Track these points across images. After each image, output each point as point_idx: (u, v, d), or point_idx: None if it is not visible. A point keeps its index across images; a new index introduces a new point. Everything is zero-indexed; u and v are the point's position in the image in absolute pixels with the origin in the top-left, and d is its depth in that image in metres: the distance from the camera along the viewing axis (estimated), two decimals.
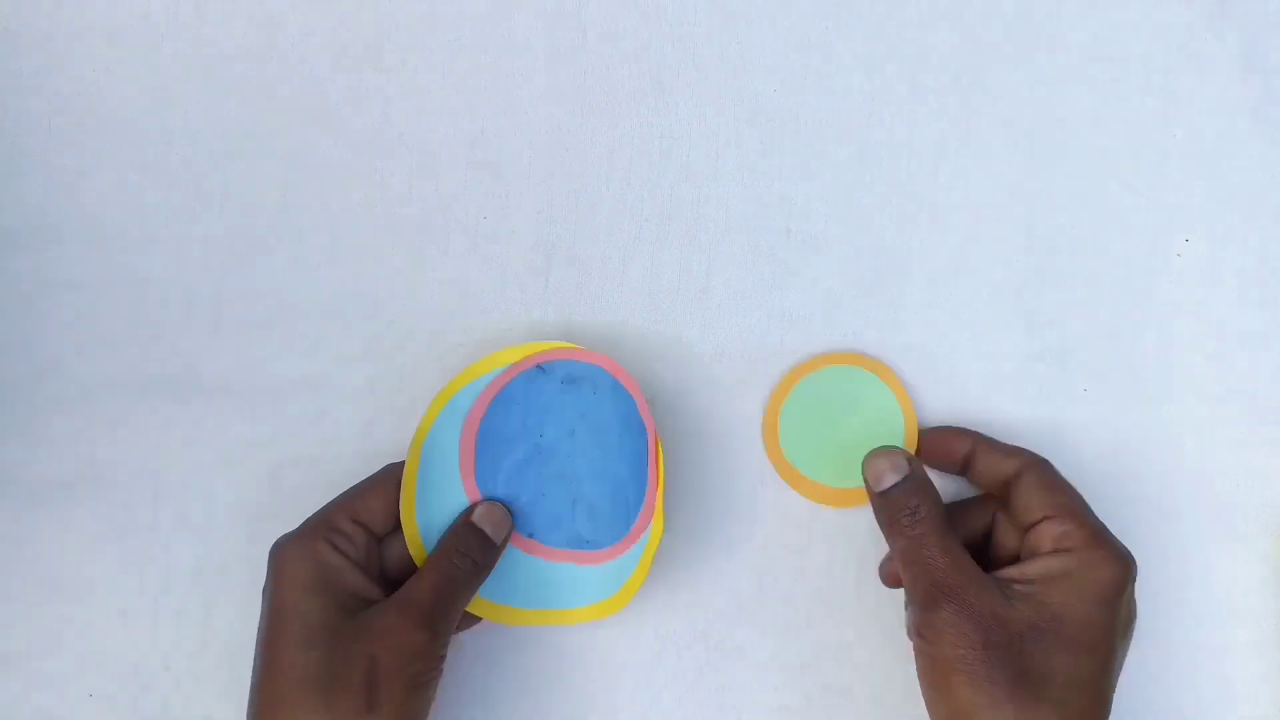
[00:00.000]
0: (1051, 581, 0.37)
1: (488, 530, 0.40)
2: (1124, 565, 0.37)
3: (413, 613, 0.36)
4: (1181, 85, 0.46)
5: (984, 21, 0.46)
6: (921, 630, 0.37)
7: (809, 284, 0.45)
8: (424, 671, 0.36)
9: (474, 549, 0.39)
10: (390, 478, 0.40)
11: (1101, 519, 0.38)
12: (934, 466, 0.43)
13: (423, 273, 0.45)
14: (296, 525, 0.39)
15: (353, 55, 0.45)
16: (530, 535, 0.41)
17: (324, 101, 0.45)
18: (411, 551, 0.40)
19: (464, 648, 0.43)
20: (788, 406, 0.44)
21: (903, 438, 0.44)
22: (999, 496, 0.41)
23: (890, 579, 0.43)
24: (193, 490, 0.44)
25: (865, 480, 0.41)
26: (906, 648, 0.44)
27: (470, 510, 0.40)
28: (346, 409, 0.44)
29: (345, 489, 0.40)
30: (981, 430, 0.44)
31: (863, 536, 0.44)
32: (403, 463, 0.40)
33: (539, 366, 0.41)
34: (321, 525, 0.38)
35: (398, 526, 0.40)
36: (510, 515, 0.41)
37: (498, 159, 0.45)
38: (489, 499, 0.41)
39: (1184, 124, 0.46)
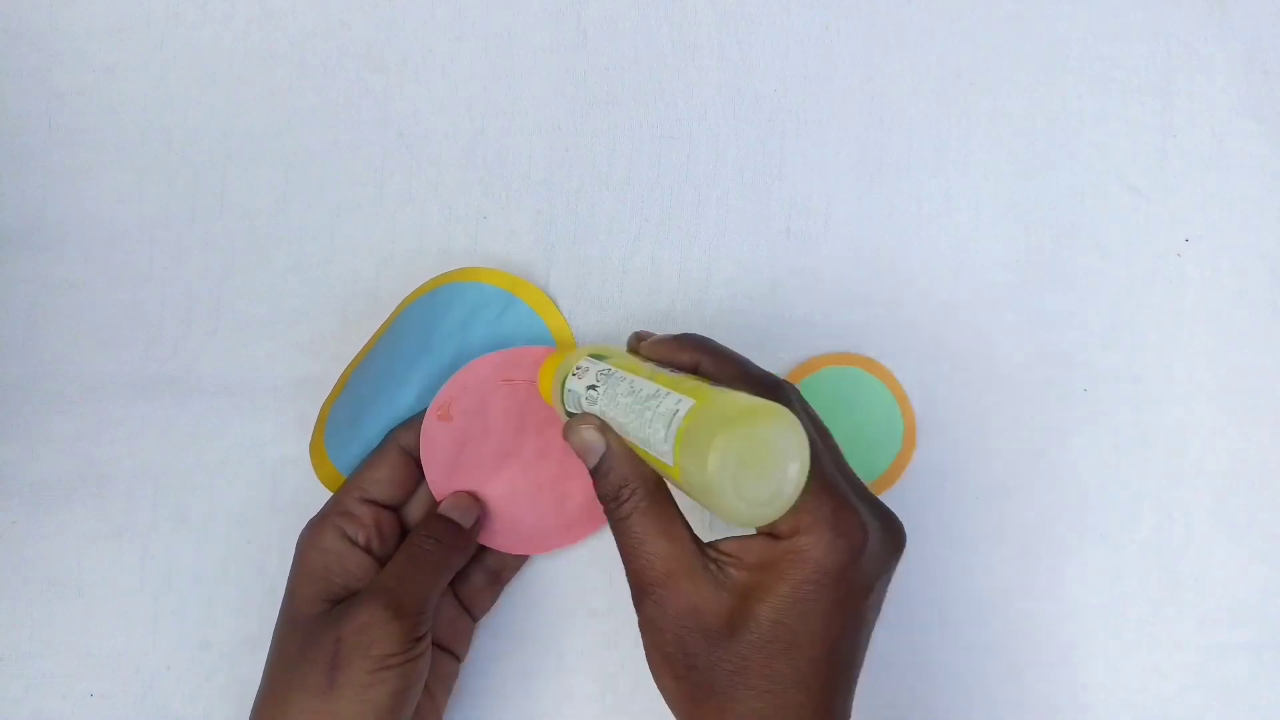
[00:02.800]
0: (766, 569, 0.32)
1: (455, 517, 0.40)
2: (855, 542, 0.32)
3: (379, 598, 0.36)
4: (1181, 85, 0.46)
5: (984, 21, 0.46)
6: (638, 616, 0.34)
7: (809, 284, 0.45)
8: (388, 656, 0.36)
9: (441, 533, 0.39)
10: (394, 447, 0.40)
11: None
12: None
13: (423, 273, 0.45)
14: (295, 525, 0.40)
15: (353, 55, 0.45)
16: None
17: (324, 101, 0.45)
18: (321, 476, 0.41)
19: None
20: None
21: (901, 438, 0.44)
22: None
23: None
24: (193, 490, 0.44)
25: (576, 452, 0.36)
26: (906, 645, 0.44)
27: (437, 503, 0.41)
28: None
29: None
30: (982, 430, 0.44)
31: None
32: (407, 432, 0.41)
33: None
34: (333, 511, 0.39)
35: (412, 493, 0.41)
36: (478, 502, 0.41)
37: (498, 160, 0.45)
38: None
39: (1184, 124, 0.46)
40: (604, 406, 0.35)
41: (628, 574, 0.34)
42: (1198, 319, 0.45)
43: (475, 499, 0.41)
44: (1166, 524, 0.45)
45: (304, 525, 0.39)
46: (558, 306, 0.44)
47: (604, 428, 0.35)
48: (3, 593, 0.43)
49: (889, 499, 0.44)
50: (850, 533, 0.32)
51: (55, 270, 0.44)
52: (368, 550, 0.39)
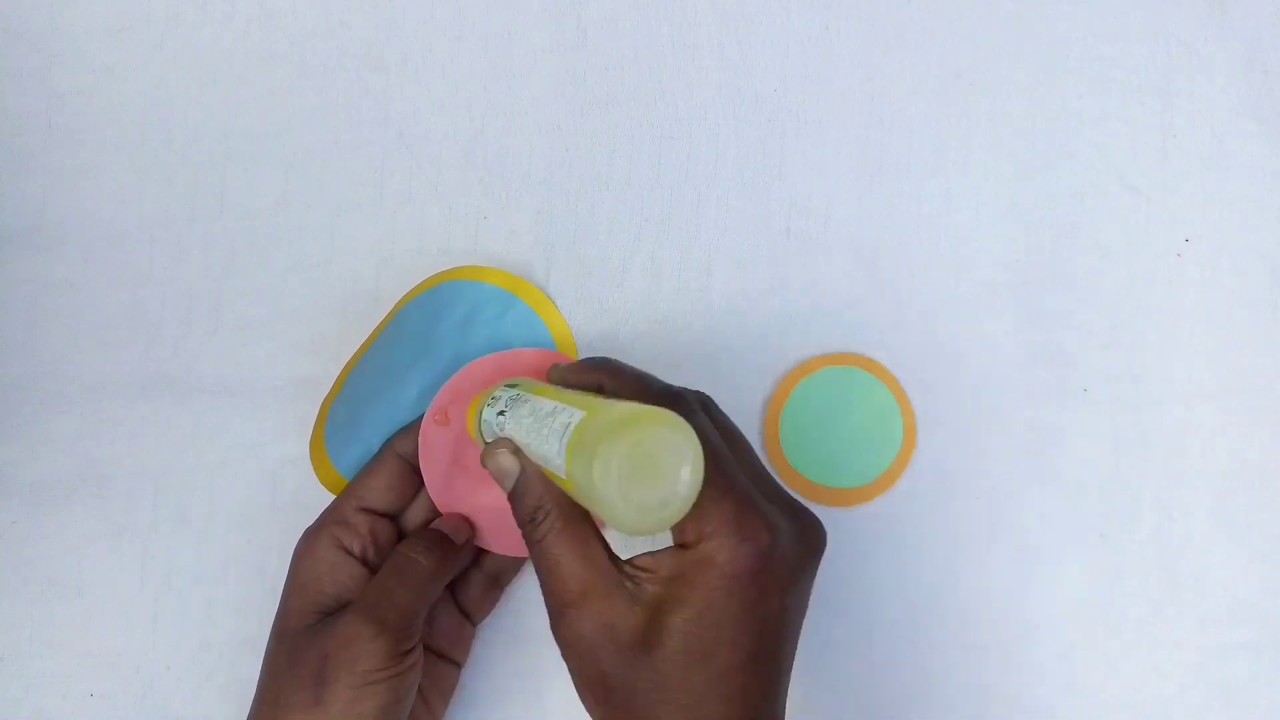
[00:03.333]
0: (678, 580, 0.31)
1: (445, 530, 0.39)
2: (761, 544, 0.31)
3: (365, 614, 0.36)
4: (1181, 85, 0.46)
5: (984, 21, 0.46)
6: (556, 640, 0.34)
7: (809, 284, 0.45)
8: (374, 671, 0.35)
9: (431, 546, 0.38)
10: (391, 455, 0.40)
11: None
12: None
13: (423, 273, 0.45)
14: (295, 525, 0.39)
15: (353, 55, 0.45)
16: None
17: (324, 101, 0.45)
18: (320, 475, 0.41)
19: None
20: (788, 408, 0.44)
21: (901, 438, 0.44)
22: None
23: None
24: (193, 490, 0.44)
25: (494, 478, 0.36)
26: (906, 645, 0.44)
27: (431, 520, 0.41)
28: None
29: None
30: (982, 431, 0.44)
31: (862, 536, 0.44)
32: (405, 439, 0.41)
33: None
34: (329, 520, 0.39)
35: (410, 501, 0.41)
36: (471, 525, 0.40)
37: (498, 160, 0.45)
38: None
39: (1184, 124, 0.46)
40: (511, 430, 0.35)
41: (545, 596, 0.33)
42: (1198, 319, 0.45)
43: (469, 522, 0.41)
44: (1166, 524, 0.45)
45: (302, 530, 0.39)
46: (557, 306, 0.44)
47: (517, 452, 0.34)
48: (3, 593, 0.43)
49: (889, 499, 0.44)
50: (755, 535, 0.31)
51: (55, 270, 0.44)
52: (363, 560, 0.38)
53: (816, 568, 0.34)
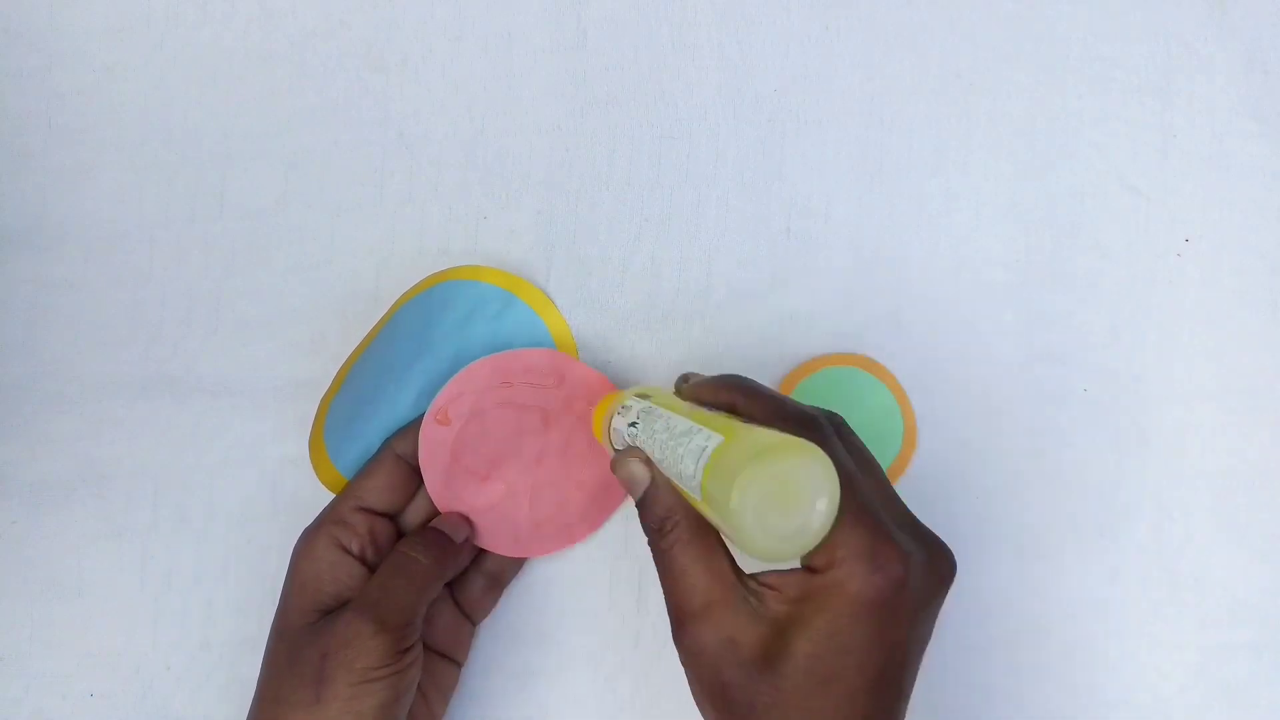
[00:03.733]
0: (806, 600, 0.32)
1: (444, 529, 0.40)
2: (894, 574, 0.31)
3: (365, 613, 0.36)
4: (1181, 85, 0.46)
5: (984, 21, 0.46)
6: (677, 648, 0.34)
7: (809, 284, 0.45)
8: (373, 668, 0.36)
9: (430, 544, 0.39)
10: (390, 455, 0.40)
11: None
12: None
13: (423, 273, 0.45)
14: (295, 525, 0.39)
15: (353, 55, 0.45)
16: None
17: (324, 101, 0.45)
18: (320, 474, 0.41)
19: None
20: None
21: (901, 437, 0.44)
22: None
23: None
24: (193, 490, 0.44)
25: (623, 486, 0.36)
26: None
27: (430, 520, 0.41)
28: None
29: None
30: (982, 433, 0.44)
31: None
32: (404, 439, 0.41)
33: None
34: (328, 520, 0.39)
35: (409, 500, 0.41)
36: (470, 524, 0.41)
37: (498, 160, 0.45)
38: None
39: (1184, 124, 0.46)
40: (643, 442, 0.35)
41: (668, 605, 0.34)
42: (1198, 319, 0.45)
43: (468, 521, 0.41)
44: (1166, 524, 0.45)
45: (301, 530, 0.39)
46: (557, 306, 0.44)
47: (649, 461, 0.35)
48: (3, 593, 0.43)
49: None
50: (888, 565, 0.31)
51: (55, 270, 0.44)
52: (362, 559, 0.39)
53: (944, 596, 0.34)
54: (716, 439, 0.31)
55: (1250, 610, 0.45)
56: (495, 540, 0.41)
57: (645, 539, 0.35)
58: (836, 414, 0.36)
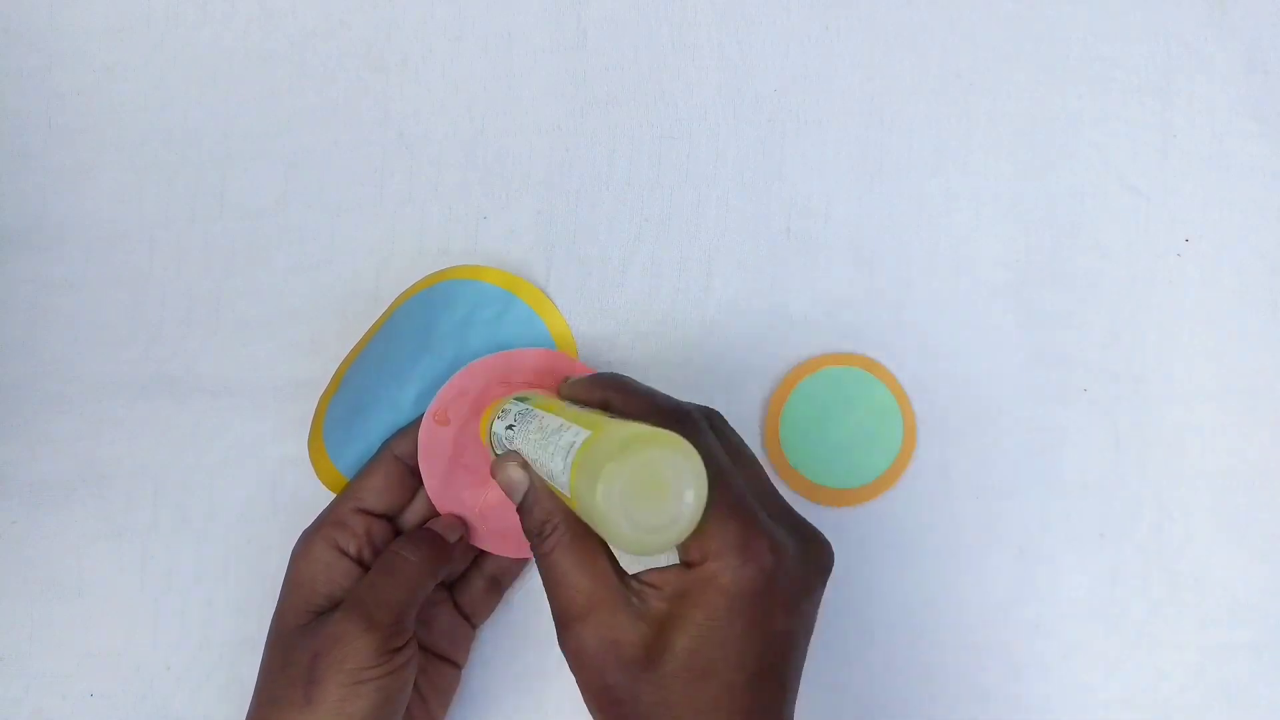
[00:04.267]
0: (682, 598, 0.32)
1: (437, 529, 0.39)
2: (765, 565, 0.31)
3: (354, 612, 0.36)
4: (1181, 85, 0.46)
5: (984, 21, 0.46)
6: (563, 652, 0.34)
7: (809, 284, 0.45)
8: (363, 669, 0.35)
9: (420, 543, 0.38)
10: (388, 456, 0.40)
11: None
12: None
13: (423, 273, 0.45)
14: (295, 525, 0.40)
15: (353, 55, 0.45)
16: None
17: (324, 101, 0.45)
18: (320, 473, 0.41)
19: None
20: (788, 407, 0.44)
21: (901, 437, 0.44)
22: None
23: None
24: (193, 490, 0.44)
25: (504, 490, 0.36)
26: (906, 645, 0.44)
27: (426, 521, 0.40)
28: None
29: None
30: (982, 431, 0.44)
31: (862, 535, 0.44)
32: (403, 440, 0.40)
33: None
34: (325, 521, 0.39)
35: (408, 502, 0.41)
36: (464, 523, 0.40)
37: (498, 160, 0.45)
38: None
39: (1184, 124, 0.46)
40: (520, 444, 0.35)
41: (552, 609, 0.33)
42: (1198, 319, 0.45)
43: (463, 521, 0.40)
44: (1166, 524, 0.45)
45: (301, 531, 0.39)
46: (557, 306, 0.44)
47: (526, 465, 0.34)
48: (3, 593, 0.43)
49: (889, 499, 0.44)
50: (759, 556, 0.31)
51: (55, 270, 0.44)
52: (359, 560, 0.38)
53: (823, 587, 0.34)
54: (584, 434, 0.31)
55: (1250, 610, 0.45)
56: (496, 542, 0.41)
57: None
58: (713, 409, 0.36)
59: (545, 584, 0.34)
